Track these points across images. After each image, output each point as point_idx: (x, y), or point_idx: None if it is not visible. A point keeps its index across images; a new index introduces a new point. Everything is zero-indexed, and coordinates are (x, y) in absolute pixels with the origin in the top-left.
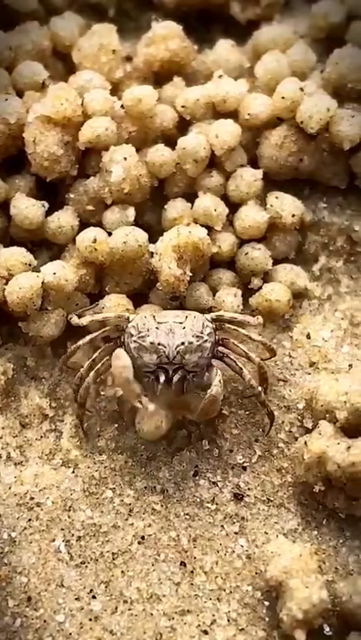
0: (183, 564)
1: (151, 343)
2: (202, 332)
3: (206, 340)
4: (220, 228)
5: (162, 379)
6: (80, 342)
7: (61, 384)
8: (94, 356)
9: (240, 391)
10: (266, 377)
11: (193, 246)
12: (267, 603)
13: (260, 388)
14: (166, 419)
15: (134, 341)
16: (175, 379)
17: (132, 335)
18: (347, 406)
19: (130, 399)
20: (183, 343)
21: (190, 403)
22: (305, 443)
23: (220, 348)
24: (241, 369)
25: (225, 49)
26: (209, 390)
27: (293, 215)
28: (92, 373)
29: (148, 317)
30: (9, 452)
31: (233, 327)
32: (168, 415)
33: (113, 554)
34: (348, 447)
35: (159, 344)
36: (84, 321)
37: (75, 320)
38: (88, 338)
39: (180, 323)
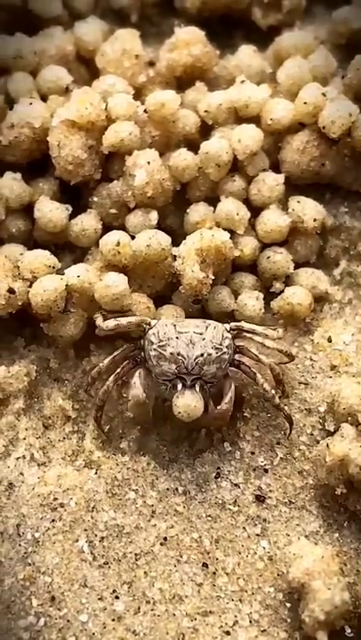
0: (205, 565)
1: (171, 354)
2: (221, 344)
3: (225, 352)
4: (242, 231)
5: (179, 387)
6: (101, 364)
7: (84, 386)
8: (115, 354)
9: (262, 394)
10: (280, 379)
11: (216, 250)
12: (288, 604)
13: (273, 392)
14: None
15: (154, 349)
16: (197, 388)
17: (152, 343)
18: None
19: (141, 422)
20: (202, 355)
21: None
22: (327, 445)
23: (237, 356)
24: (255, 374)
25: (247, 54)
26: (219, 407)
27: (315, 219)
28: (111, 377)
29: (169, 326)
30: (32, 452)
31: (249, 336)
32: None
33: (136, 554)
34: None
35: (179, 354)
36: (110, 324)
37: (100, 322)
38: (107, 361)
39: (201, 334)
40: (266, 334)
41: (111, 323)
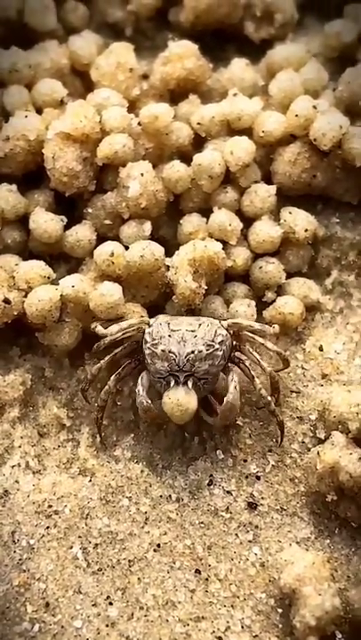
0: (198, 571)
1: (162, 351)
2: (213, 341)
3: (217, 349)
4: (234, 242)
5: (172, 384)
6: (102, 361)
7: (78, 394)
8: (115, 352)
9: (254, 402)
10: (277, 387)
11: (208, 260)
12: (280, 610)
13: (269, 398)
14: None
15: (148, 348)
16: (189, 384)
17: (147, 342)
18: (359, 417)
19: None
20: (193, 352)
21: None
22: (318, 453)
23: (237, 354)
24: (253, 377)
25: (239, 67)
26: (225, 397)
27: (306, 230)
28: (112, 376)
29: (163, 325)
30: (27, 460)
31: (250, 335)
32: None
33: (129, 561)
34: (360, 458)
35: (170, 352)
36: (112, 329)
37: (100, 330)
38: (107, 358)
39: (193, 331)
40: (263, 330)
41: (114, 328)
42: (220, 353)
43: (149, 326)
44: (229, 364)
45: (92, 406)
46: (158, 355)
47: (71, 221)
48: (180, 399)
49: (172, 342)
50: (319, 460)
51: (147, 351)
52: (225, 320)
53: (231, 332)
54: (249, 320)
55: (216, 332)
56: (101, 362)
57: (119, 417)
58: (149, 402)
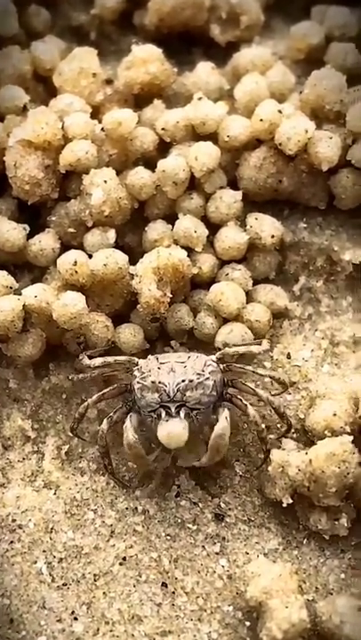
0: (164, 584)
1: (152, 382)
2: (203, 371)
3: (208, 378)
4: (200, 249)
5: (163, 415)
6: (89, 400)
7: (43, 406)
8: (103, 392)
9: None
10: (281, 412)
11: (173, 268)
12: (248, 623)
13: (263, 426)
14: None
15: (137, 382)
16: (182, 415)
17: (135, 377)
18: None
19: (140, 468)
20: (184, 381)
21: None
22: (269, 459)
23: (230, 390)
24: (246, 405)
25: (205, 71)
26: (215, 427)
27: (273, 236)
28: (105, 420)
29: (152, 359)
30: None
31: (240, 366)
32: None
33: (95, 575)
34: (306, 453)
35: (160, 382)
36: (96, 362)
37: (86, 361)
38: (95, 397)
39: (182, 362)
40: (250, 351)
41: (98, 360)
42: (210, 382)
43: (137, 365)
44: (223, 403)
45: (76, 429)
46: (148, 386)
47: (34, 230)
48: (173, 430)
49: (162, 373)
50: (270, 462)
51: (136, 386)
52: (213, 355)
53: (222, 366)
54: (233, 346)
55: (205, 362)
56: (88, 400)
57: (85, 428)
58: (136, 437)
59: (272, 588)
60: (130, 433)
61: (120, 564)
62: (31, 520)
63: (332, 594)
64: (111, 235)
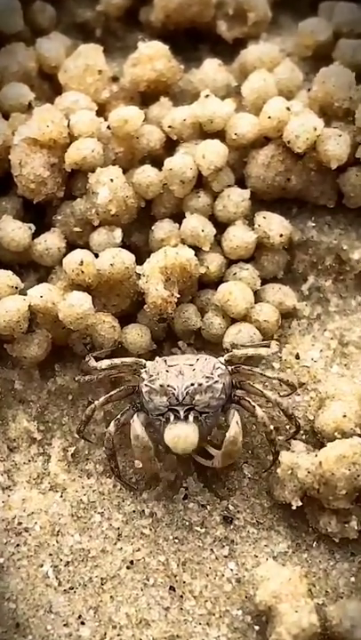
0: (172, 588)
1: (161, 385)
2: (212, 374)
3: (217, 381)
4: (207, 248)
5: (172, 419)
6: (96, 402)
7: (49, 407)
8: (110, 393)
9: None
10: (290, 414)
11: (180, 267)
12: (257, 627)
13: (272, 427)
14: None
15: (145, 385)
16: (190, 418)
17: (143, 380)
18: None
19: (147, 471)
20: (193, 384)
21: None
22: (278, 461)
23: (238, 392)
24: (254, 407)
25: (212, 68)
26: (227, 432)
27: (281, 235)
28: (112, 423)
29: (160, 361)
30: None
31: (248, 368)
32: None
33: (102, 579)
34: (316, 455)
35: (168, 386)
36: (103, 364)
37: (92, 362)
38: (102, 399)
39: (191, 365)
40: (259, 353)
41: (105, 362)
42: (219, 386)
43: (144, 367)
44: (231, 405)
45: (92, 437)
46: (157, 390)
47: (40, 229)
48: (181, 434)
49: (171, 376)
50: (279, 464)
51: (144, 389)
52: (221, 357)
53: (230, 368)
54: (242, 347)
55: (215, 365)
56: (95, 403)
57: (92, 430)
58: (143, 429)
59: (281, 591)
60: (137, 425)
61: (127, 567)
62: (37, 523)
63: (342, 597)
64: (118, 234)
